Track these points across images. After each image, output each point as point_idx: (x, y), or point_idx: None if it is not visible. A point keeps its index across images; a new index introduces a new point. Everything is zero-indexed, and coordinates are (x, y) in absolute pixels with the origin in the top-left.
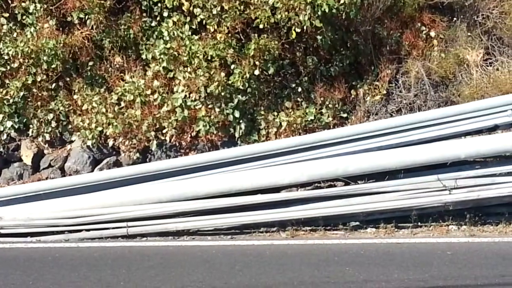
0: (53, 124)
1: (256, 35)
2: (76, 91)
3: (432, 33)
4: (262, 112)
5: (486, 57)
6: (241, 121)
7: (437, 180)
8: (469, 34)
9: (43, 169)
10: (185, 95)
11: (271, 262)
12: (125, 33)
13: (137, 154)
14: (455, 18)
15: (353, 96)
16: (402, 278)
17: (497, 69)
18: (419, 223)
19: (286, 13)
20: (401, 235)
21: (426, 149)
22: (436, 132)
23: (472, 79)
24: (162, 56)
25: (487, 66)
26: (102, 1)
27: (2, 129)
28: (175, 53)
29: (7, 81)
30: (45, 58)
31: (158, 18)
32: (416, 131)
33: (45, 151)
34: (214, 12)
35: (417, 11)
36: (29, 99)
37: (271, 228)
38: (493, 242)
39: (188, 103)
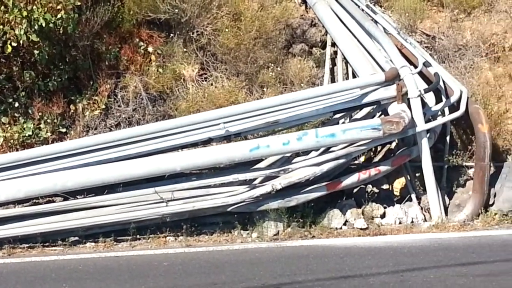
0: None
1: None
2: None
3: (150, 49)
4: None
5: (201, 72)
6: None
7: (154, 192)
8: (185, 49)
9: None
10: None
11: None
12: None
13: None
14: (172, 34)
15: (72, 111)
16: None
17: (212, 84)
18: (137, 236)
19: (1, 26)
20: (120, 248)
21: (144, 163)
22: (154, 146)
23: (188, 93)
24: None
25: (203, 81)
26: None
27: None
28: None
29: None
30: None
31: None
32: (134, 145)
33: None
34: None
35: (135, 26)
36: None
37: None
38: (207, 251)
39: None
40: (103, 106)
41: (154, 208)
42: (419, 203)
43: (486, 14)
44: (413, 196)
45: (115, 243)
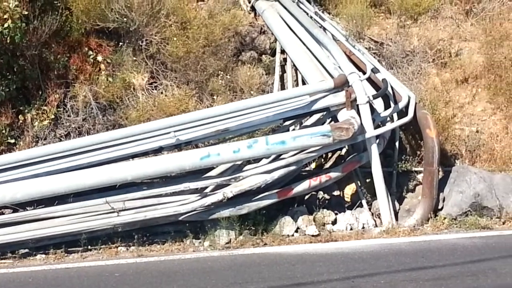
0: None
1: None
2: None
3: (99, 58)
4: None
5: (151, 81)
6: None
7: (105, 202)
8: (135, 58)
9: None
10: None
11: None
12: None
13: None
14: (121, 43)
15: (21, 121)
16: None
17: (162, 93)
18: (89, 247)
19: None
20: (71, 260)
21: (94, 173)
22: (104, 155)
23: (138, 102)
24: None
25: (153, 89)
26: None
27: None
28: None
29: None
30: None
31: None
32: (85, 154)
33: None
34: None
35: (84, 35)
36: None
37: None
38: (159, 261)
39: None
40: (53, 116)
41: (106, 219)
42: (369, 208)
43: (433, 20)
44: (364, 202)
45: (66, 254)
